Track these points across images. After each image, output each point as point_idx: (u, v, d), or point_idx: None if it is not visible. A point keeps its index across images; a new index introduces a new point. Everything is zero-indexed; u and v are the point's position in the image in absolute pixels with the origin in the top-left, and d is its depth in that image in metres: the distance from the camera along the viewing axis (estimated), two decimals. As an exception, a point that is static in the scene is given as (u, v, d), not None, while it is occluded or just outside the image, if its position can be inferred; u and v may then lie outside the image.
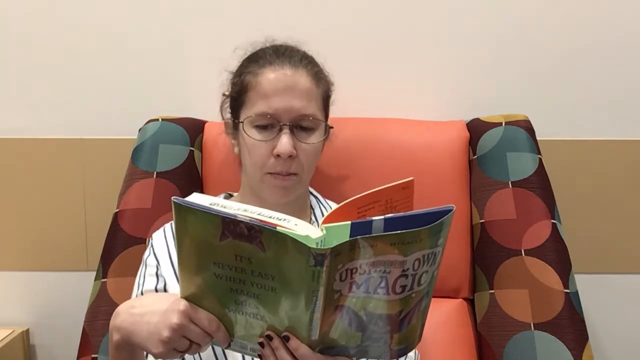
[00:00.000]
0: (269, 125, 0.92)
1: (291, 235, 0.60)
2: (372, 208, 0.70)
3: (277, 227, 0.61)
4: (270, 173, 0.92)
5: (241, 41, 1.01)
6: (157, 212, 1.14)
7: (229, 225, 0.62)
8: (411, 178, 0.71)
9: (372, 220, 0.62)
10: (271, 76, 0.92)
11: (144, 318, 0.72)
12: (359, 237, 0.60)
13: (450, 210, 0.62)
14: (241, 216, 0.62)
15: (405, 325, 0.68)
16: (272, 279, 0.64)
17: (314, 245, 0.60)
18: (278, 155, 0.90)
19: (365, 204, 0.68)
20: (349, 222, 0.62)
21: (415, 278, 0.64)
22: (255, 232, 0.61)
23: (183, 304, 0.69)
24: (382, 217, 0.62)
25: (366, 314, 0.66)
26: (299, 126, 0.93)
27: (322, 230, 0.63)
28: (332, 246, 0.59)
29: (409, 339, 0.70)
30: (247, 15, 1.30)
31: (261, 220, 0.62)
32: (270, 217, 0.64)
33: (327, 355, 0.69)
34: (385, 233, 0.61)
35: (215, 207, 0.63)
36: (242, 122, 0.94)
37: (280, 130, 0.91)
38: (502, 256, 1.10)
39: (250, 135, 0.92)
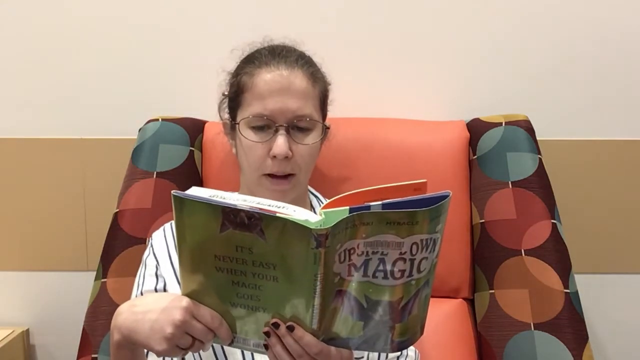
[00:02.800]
0: (265, 126, 0.92)
1: (291, 220, 0.61)
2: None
3: (277, 214, 0.62)
4: (266, 175, 0.92)
5: (241, 41, 1.01)
6: (157, 212, 1.14)
7: (229, 215, 0.62)
8: (424, 180, 0.70)
9: (370, 205, 0.63)
10: (267, 77, 0.91)
11: (146, 316, 0.72)
12: (354, 213, 0.61)
13: (447, 196, 0.63)
14: (241, 205, 0.62)
15: (407, 315, 0.68)
16: (273, 267, 0.64)
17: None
18: (274, 157, 0.90)
19: (372, 198, 0.67)
20: (347, 207, 0.63)
21: (414, 264, 0.65)
22: (255, 220, 0.62)
23: (185, 301, 0.69)
24: (380, 202, 0.63)
25: (367, 300, 0.67)
26: (295, 127, 0.92)
27: (320, 215, 0.64)
28: (331, 225, 0.60)
29: (410, 330, 0.70)
30: (247, 15, 1.30)
31: (260, 209, 0.63)
32: (269, 205, 0.65)
33: (330, 346, 0.69)
34: (381, 210, 0.62)
35: (214, 199, 0.64)
36: (239, 124, 0.94)
37: (276, 131, 0.91)
38: (502, 256, 1.10)
39: (246, 136, 0.92)
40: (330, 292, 0.65)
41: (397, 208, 0.62)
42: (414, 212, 0.62)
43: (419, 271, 0.66)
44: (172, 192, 0.63)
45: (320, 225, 0.61)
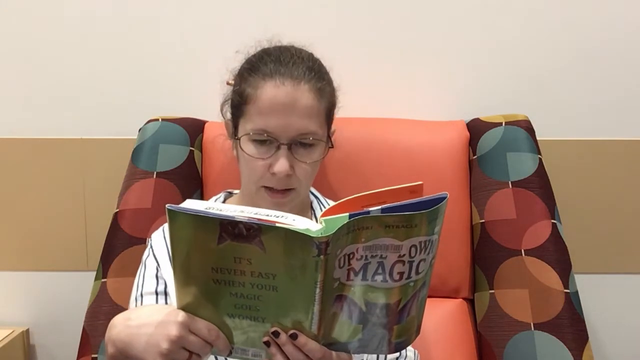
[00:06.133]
0: (267, 141, 0.89)
1: (291, 229, 0.60)
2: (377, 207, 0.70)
3: (276, 224, 0.61)
4: (265, 187, 0.91)
5: (243, 41, 0.99)
6: (157, 212, 1.14)
7: (227, 227, 0.61)
8: (420, 182, 0.69)
9: (369, 211, 0.62)
10: (270, 92, 0.88)
11: (141, 330, 0.71)
12: (354, 218, 0.61)
13: (444, 198, 0.63)
14: (239, 217, 0.61)
15: (405, 316, 0.68)
16: (272, 277, 0.64)
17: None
18: (274, 173, 0.89)
19: (370, 202, 0.67)
20: (347, 214, 0.62)
21: (412, 266, 0.65)
22: (254, 231, 0.61)
23: (181, 315, 0.68)
24: (379, 207, 0.62)
25: (366, 304, 0.67)
26: (298, 143, 0.90)
27: (320, 223, 0.63)
28: (333, 232, 0.60)
29: (408, 331, 0.70)
30: (248, 15, 1.30)
31: (259, 219, 0.62)
32: (268, 215, 0.64)
33: (331, 351, 0.69)
34: (379, 215, 0.62)
35: (211, 211, 0.63)
36: (240, 139, 0.91)
37: (278, 148, 0.88)
38: (502, 256, 1.10)
39: (247, 151, 0.90)
40: (329, 298, 0.65)
41: (396, 212, 0.62)
42: (413, 215, 0.62)
43: (417, 272, 0.66)
44: (166, 206, 0.62)
45: (321, 234, 0.61)
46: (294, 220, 0.64)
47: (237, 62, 0.99)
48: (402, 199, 0.64)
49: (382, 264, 0.64)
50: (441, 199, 0.63)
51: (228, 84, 1.00)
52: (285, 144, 0.88)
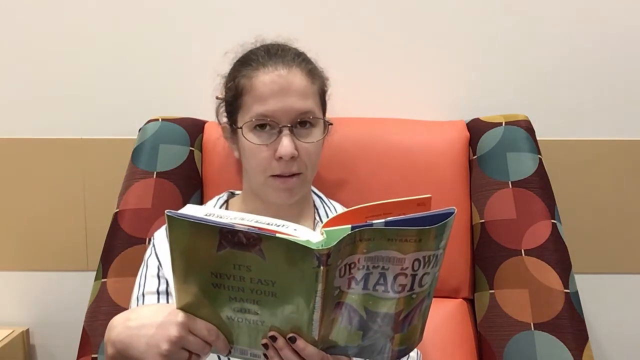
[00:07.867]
0: (268, 127, 0.91)
1: (292, 241, 0.60)
2: (382, 219, 0.69)
3: (277, 234, 0.60)
4: (273, 176, 0.92)
5: (243, 41, 1.00)
6: (157, 212, 1.14)
7: (227, 235, 0.61)
8: (428, 195, 0.68)
9: (372, 223, 0.62)
10: (265, 78, 0.91)
11: (141, 331, 0.71)
12: (357, 230, 0.60)
13: (452, 213, 0.62)
14: (239, 225, 0.61)
15: (407, 326, 0.68)
16: (272, 284, 0.63)
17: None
18: (280, 158, 0.90)
19: (375, 213, 0.66)
20: (349, 226, 0.61)
21: (415, 279, 0.64)
22: (254, 240, 0.60)
23: (181, 316, 0.69)
24: (383, 220, 0.62)
25: (366, 312, 0.66)
26: (298, 125, 0.92)
27: (322, 234, 0.63)
28: (334, 244, 0.59)
29: (410, 339, 0.70)
30: (248, 15, 1.30)
31: (260, 228, 0.61)
32: (269, 224, 0.64)
33: (329, 355, 0.69)
34: (382, 227, 0.61)
35: (211, 218, 0.62)
36: (241, 128, 0.93)
37: (280, 132, 0.90)
38: (502, 256, 1.10)
39: (250, 140, 0.91)
40: (329, 305, 0.64)
41: (400, 226, 0.61)
42: (418, 230, 0.61)
43: (420, 285, 0.65)
44: (165, 212, 0.62)
45: (322, 245, 0.60)
46: (295, 230, 0.63)
47: (226, 65, 0.99)
48: (408, 212, 0.63)
49: (384, 275, 0.64)
50: (448, 215, 0.61)
51: (217, 98, 1.01)
52: (287, 126, 0.90)
